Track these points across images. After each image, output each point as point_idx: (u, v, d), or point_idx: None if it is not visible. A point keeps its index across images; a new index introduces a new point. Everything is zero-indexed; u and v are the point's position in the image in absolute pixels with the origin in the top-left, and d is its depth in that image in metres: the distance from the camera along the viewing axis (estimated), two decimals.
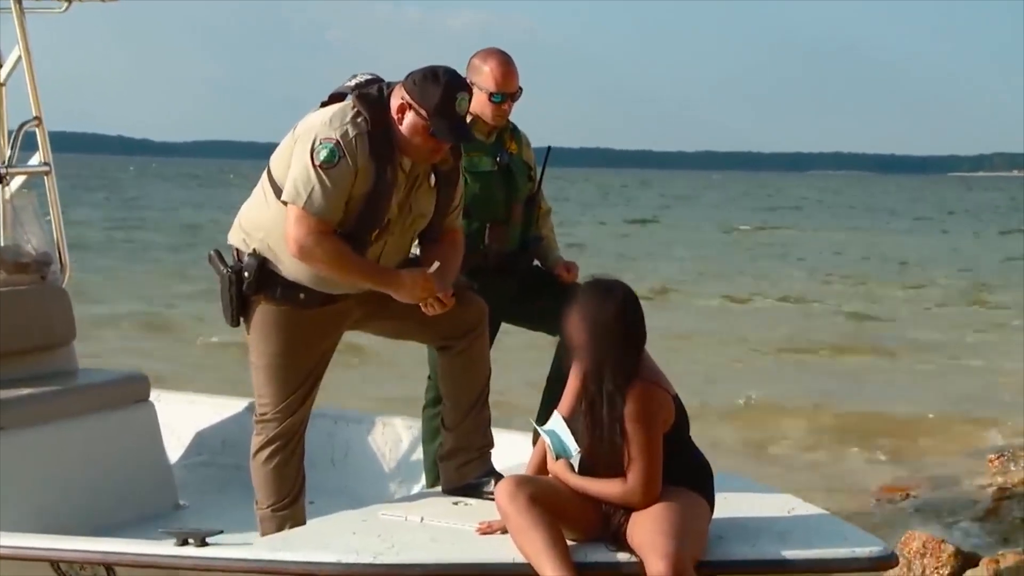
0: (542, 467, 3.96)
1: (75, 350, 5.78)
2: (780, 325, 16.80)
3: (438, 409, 4.76)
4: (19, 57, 5.85)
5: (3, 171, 5.69)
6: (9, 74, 5.92)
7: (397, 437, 5.75)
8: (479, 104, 4.87)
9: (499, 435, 4.70)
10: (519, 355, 7.77)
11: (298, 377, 4.40)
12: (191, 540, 3.92)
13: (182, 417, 6.04)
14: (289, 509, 4.46)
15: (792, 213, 55.96)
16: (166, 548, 3.95)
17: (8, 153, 5.77)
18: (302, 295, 4.32)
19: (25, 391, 5.24)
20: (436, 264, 4.26)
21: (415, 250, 4.53)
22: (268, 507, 4.48)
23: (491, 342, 4.93)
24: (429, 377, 5.02)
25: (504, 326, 5.10)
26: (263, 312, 4.36)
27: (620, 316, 3.78)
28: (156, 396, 5.75)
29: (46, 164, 5.90)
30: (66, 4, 5.95)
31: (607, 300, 3.80)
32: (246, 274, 4.33)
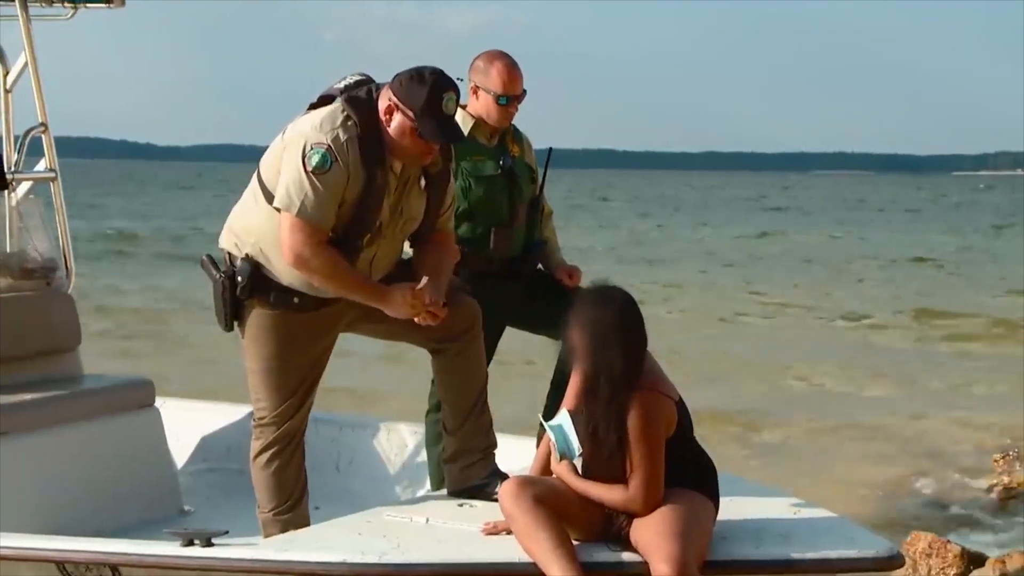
0: (546, 467, 3.96)
1: (80, 355, 5.78)
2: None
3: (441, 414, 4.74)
4: (25, 64, 5.87)
5: (9, 177, 5.70)
6: (15, 81, 5.92)
7: (402, 442, 5.74)
8: (484, 107, 4.87)
9: (501, 439, 4.67)
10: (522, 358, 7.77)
11: (295, 380, 4.40)
12: (197, 540, 3.93)
13: (186, 423, 6.03)
14: (291, 512, 4.45)
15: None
16: (172, 548, 3.95)
17: (15, 159, 5.79)
18: (296, 299, 4.31)
19: (30, 396, 5.24)
20: (425, 279, 4.23)
21: (407, 250, 4.52)
22: (270, 511, 4.47)
23: (495, 346, 4.92)
24: (433, 382, 5.01)
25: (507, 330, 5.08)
26: (257, 316, 4.35)
27: (618, 323, 3.77)
28: (161, 402, 5.75)
29: (52, 170, 5.90)
30: (72, 11, 5.96)
31: (605, 307, 3.80)
32: (239, 279, 4.31)
